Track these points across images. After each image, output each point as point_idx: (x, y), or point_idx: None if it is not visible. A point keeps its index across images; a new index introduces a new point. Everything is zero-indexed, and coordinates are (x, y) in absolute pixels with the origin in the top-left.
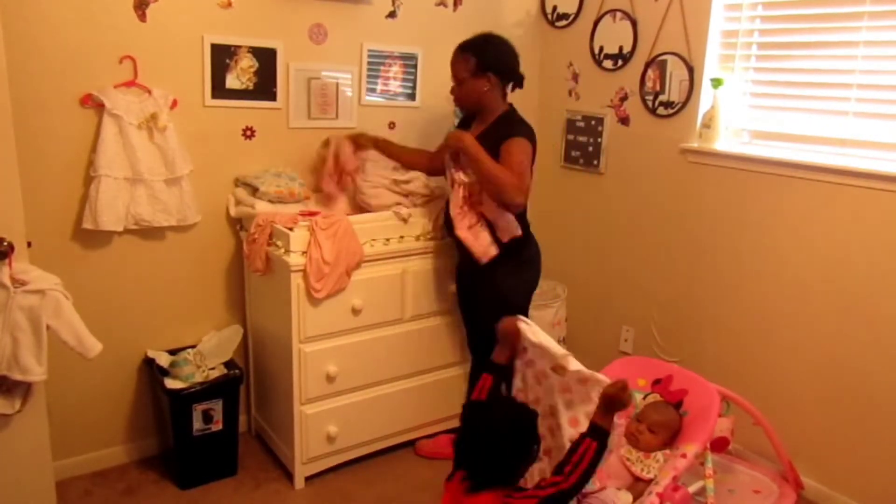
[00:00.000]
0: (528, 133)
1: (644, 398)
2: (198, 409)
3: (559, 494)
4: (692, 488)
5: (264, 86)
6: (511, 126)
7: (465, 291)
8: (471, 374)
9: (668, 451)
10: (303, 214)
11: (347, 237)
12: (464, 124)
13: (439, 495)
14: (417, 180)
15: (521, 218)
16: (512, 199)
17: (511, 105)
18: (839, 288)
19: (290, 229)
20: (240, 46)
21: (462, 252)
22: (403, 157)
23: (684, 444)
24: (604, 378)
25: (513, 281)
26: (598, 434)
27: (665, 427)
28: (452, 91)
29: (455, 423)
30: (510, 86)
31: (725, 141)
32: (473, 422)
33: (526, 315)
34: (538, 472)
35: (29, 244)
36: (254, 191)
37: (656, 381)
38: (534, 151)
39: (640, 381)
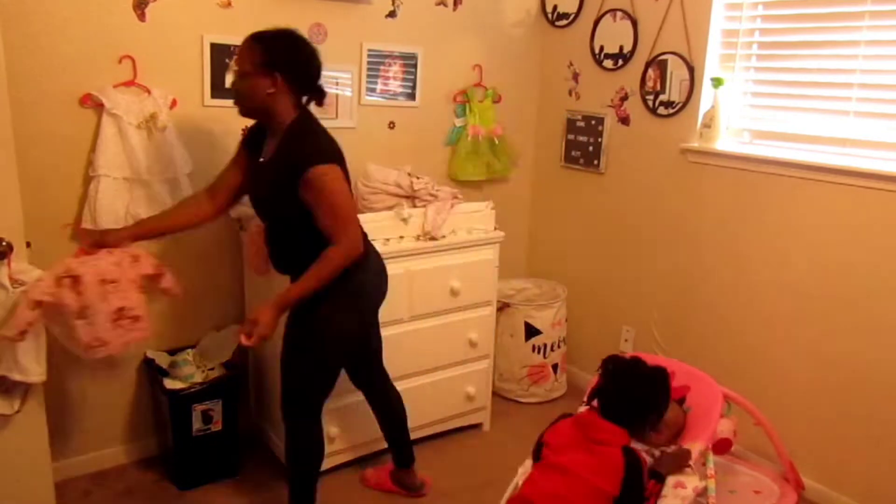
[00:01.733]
0: (325, 153)
1: None
2: (197, 410)
3: None
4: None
5: None
6: (302, 149)
7: (289, 326)
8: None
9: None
10: None
11: None
12: (255, 137)
13: (440, 495)
14: (423, 183)
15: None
16: (355, 256)
17: (302, 114)
18: (840, 288)
19: None
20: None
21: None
22: (165, 224)
23: (688, 443)
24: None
25: (334, 318)
26: (659, 479)
27: (671, 424)
28: (232, 85)
29: (454, 424)
30: (305, 98)
31: (726, 141)
32: (625, 374)
33: (344, 362)
34: None
35: (28, 244)
36: None
37: None
38: (341, 169)
39: None
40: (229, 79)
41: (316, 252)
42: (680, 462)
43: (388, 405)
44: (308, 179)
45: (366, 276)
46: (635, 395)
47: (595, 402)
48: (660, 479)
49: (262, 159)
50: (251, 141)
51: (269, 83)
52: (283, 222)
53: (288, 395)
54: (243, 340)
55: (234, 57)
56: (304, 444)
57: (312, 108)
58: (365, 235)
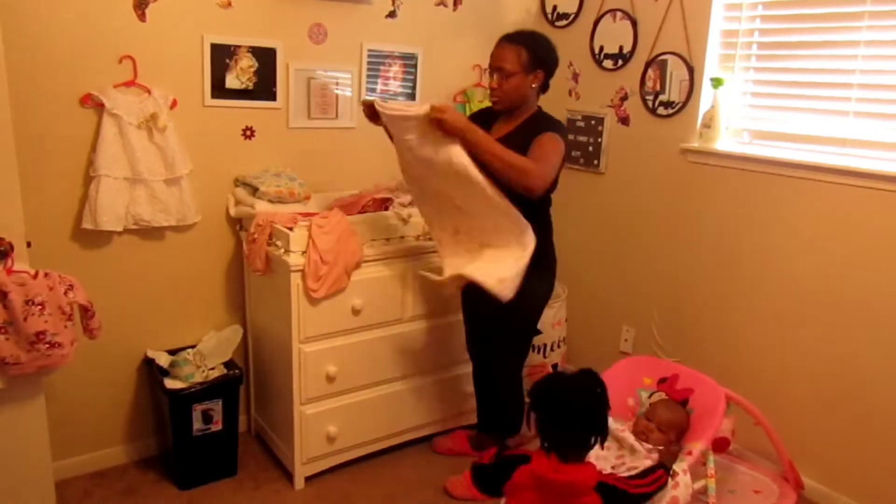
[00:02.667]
0: (562, 130)
1: (649, 396)
2: (197, 410)
3: (648, 494)
4: (694, 487)
5: (264, 86)
6: (545, 123)
7: (473, 294)
8: (475, 381)
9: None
10: (302, 215)
11: (347, 237)
12: (479, 118)
13: (440, 495)
14: None
15: (544, 221)
16: (530, 184)
17: (540, 106)
18: (839, 288)
19: (290, 229)
20: (239, 46)
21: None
22: None
23: (690, 442)
24: None
25: (527, 287)
26: (668, 470)
27: (674, 426)
28: (493, 84)
29: (454, 424)
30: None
31: (725, 141)
32: (551, 394)
33: (535, 328)
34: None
35: (29, 244)
36: (254, 191)
37: (662, 380)
38: (566, 150)
39: (646, 380)
40: (494, 79)
41: (544, 222)
42: (675, 456)
43: (490, 376)
44: (541, 137)
45: (554, 254)
46: (568, 416)
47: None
48: (667, 471)
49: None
50: (476, 120)
51: (534, 79)
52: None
53: (501, 362)
54: (432, 111)
55: (493, 61)
56: (517, 399)
57: None
58: (550, 220)
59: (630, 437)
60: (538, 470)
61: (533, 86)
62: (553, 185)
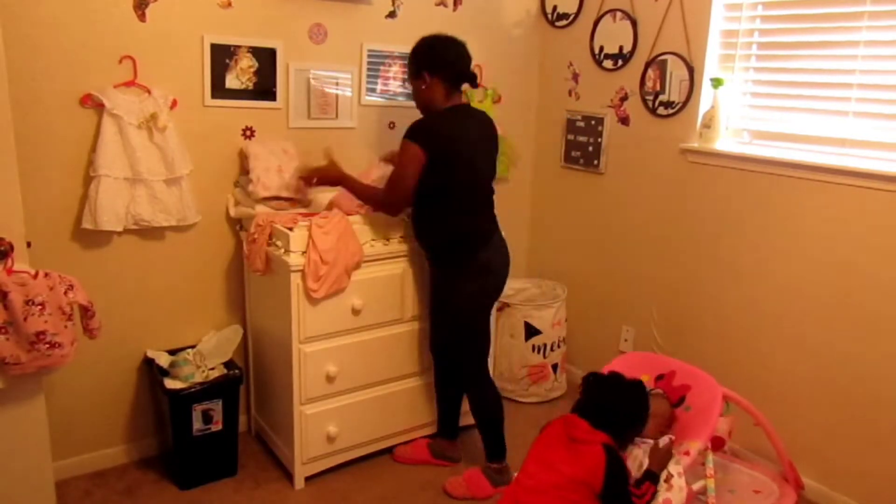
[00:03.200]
0: (417, 130)
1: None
2: (197, 410)
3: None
4: (693, 487)
5: (264, 86)
6: (413, 126)
7: (430, 295)
8: (435, 382)
9: (663, 444)
10: (302, 215)
11: (347, 237)
12: None
13: (440, 495)
14: None
15: (454, 221)
16: (384, 212)
17: (454, 105)
18: (839, 288)
19: (290, 229)
20: (240, 46)
21: (432, 273)
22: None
23: (688, 441)
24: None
25: (461, 290)
26: (654, 479)
27: (657, 415)
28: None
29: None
30: (458, 84)
31: (725, 141)
32: (605, 386)
33: (480, 326)
34: None
35: (29, 244)
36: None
37: (659, 377)
38: (424, 148)
39: (644, 377)
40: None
41: (427, 229)
42: (667, 457)
43: (450, 380)
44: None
45: (488, 255)
46: (617, 410)
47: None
48: (654, 480)
49: None
50: None
51: (421, 82)
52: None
53: (460, 368)
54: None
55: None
56: (487, 405)
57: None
58: (495, 220)
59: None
60: (563, 417)
61: (423, 88)
62: (431, 182)
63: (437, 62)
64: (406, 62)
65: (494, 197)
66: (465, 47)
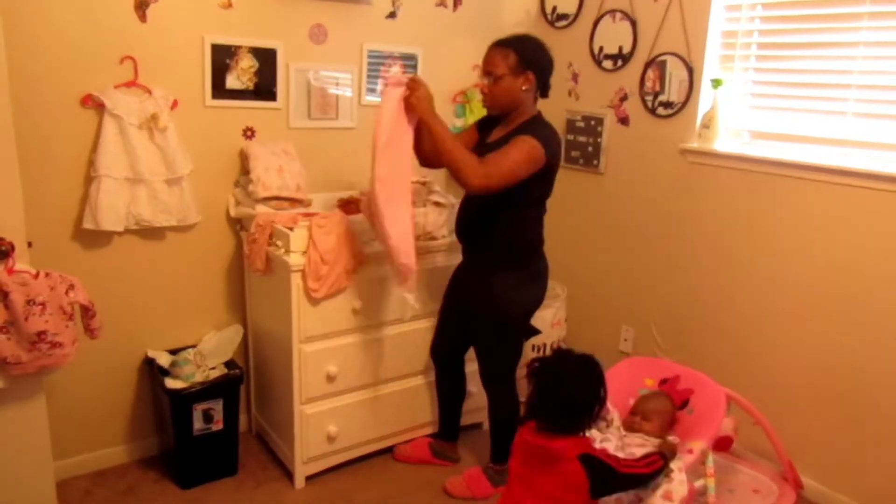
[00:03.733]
0: (542, 135)
1: None
2: (198, 409)
3: (638, 476)
4: (695, 485)
5: (264, 86)
6: (531, 127)
7: (458, 296)
8: (438, 386)
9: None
10: (303, 215)
11: (348, 237)
12: (484, 125)
13: (439, 495)
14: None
15: (532, 227)
16: (467, 180)
17: (539, 112)
18: (839, 288)
19: (291, 229)
20: (240, 47)
21: (464, 255)
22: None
23: (691, 441)
24: None
25: (513, 295)
26: (664, 457)
27: (657, 413)
28: (484, 88)
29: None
30: (545, 94)
31: (725, 141)
32: (547, 372)
33: (521, 337)
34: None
35: (29, 244)
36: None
37: (663, 381)
38: (547, 156)
39: (648, 381)
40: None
41: (505, 230)
42: (673, 451)
43: (460, 382)
44: (515, 138)
45: (544, 264)
46: (560, 395)
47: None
48: (662, 457)
49: (488, 140)
50: (483, 124)
51: (524, 81)
52: (488, 196)
53: (494, 372)
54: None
55: (483, 65)
56: (509, 414)
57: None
58: (542, 236)
59: (633, 440)
60: (524, 434)
61: (523, 88)
62: (536, 189)
63: (545, 66)
64: (407, 62)
65: None
66: None
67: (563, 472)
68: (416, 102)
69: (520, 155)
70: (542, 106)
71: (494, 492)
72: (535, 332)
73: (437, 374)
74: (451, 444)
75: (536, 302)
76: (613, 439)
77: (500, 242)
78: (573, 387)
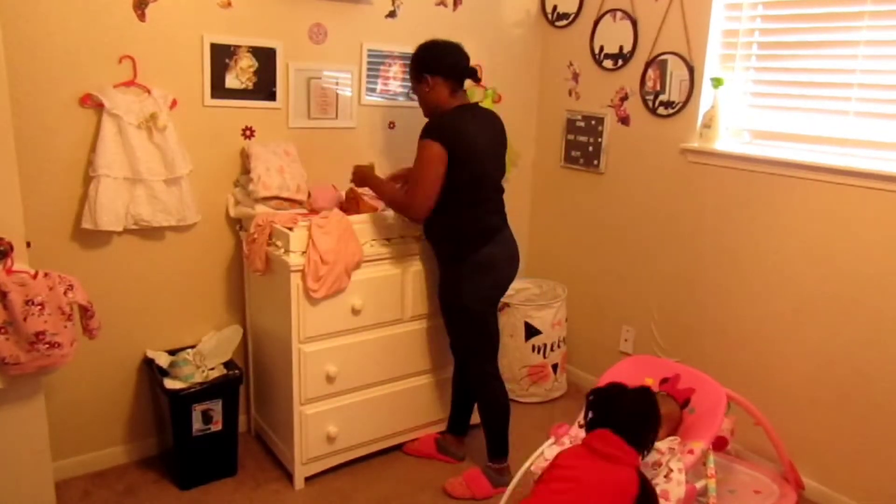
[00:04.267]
0: (431, 128)
1: None
2: (197, 410)
3: None
4: (696, 485)
5: (264, 86)
6: (426, 125)
7: (438, 294)
8: (453, 376)
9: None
10: (302, 215)
11: (347, 237)
12: None
13: (439, 495)
14: None
15: (467, 216)
16: (407, 216)
17: (461, 104)
18: (839, 288)
19: (290, 229)
20: (239, 46)
21: (440, 265)
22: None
23: (692, 441)
24: None
25: (462, 286)
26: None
27: (665, 418)
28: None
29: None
30: (460, 82)
31: (726, 141)
32: (615, 397)
33: (487, 323)
34: None
35: (28, 244)
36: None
37: (664, 380)
38: (444, 144)
39: (648, 380)
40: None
41: (439, 225)
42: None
43: (463, 378)
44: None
45: (494, 250)
46: (635, 418)
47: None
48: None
49: None
50: None
51: (424, 85)
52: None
53: (466, 364)
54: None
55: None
56: (491, 402)
57: None
58: (502, 216)
59: None
60: (598, 431)
61: (426, 90)
62: (453, 178)
63: (436, 62)
64: (407, 62)
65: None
66: (461, 46)
67: (618, 470)
68: (357, 184)
69: (420, 163)
70: (543, 105)
71: (494, 492)
72: (536, 332)
73: (454, 367)
74: (457, 439)
75: (489, 289)
76: None
77: (439, 238)
78: (644, 409)
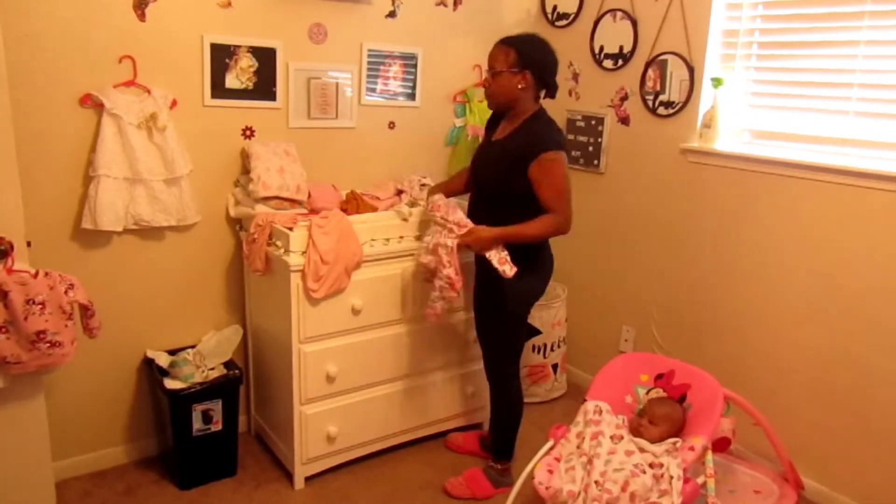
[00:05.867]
0: (558, 142)
1: (647, 393)
2: (197, 410)
3: None
4: (698, 481)
5: (264, 85)
6: (540, 135)
7: (478, 292)
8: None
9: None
10: (302, 215)
11: (347, 237)
12: (491, 124)
13: (439, 495)
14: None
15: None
16: (562, 233)
17: (541, 107)
18: (839, 288)
19: (290, 229)
20: (239, 46)
21: (479, 259)
22: (457, 186)
23: (691, 437)
24: None
25: (517, 286)
26: None
27: (666, 419)
28: (485, 83)
29: (454, 424)
30: (543, 92)
31: (726, 141)
32: None
33: (524, 321)
34: None
35: (29, 244)
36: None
37: (659, 376)
38: (568, 155)
39: (643, 377)
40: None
41: (512, 223)
42: None
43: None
44: (541, 160)
45: (548, 252)
46: None
47: None
48: None
49: (494, 137)
50: (491, 122)
51: (521, 79)
52: (497, 193)
53: (498, 363)
54: (458, 241)
55: (488, 61)
56: (515, 405)
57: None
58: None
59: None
60: None
61: (519, 86)
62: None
63: (544, 63)
64: (407, 62)
65: None
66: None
67: None
68: (479, 246)
69: (560, 179)
70: (544, 105)
71: (495, 492)
72: (536, 332)
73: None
74: None
75: (535, 293)
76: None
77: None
78: None
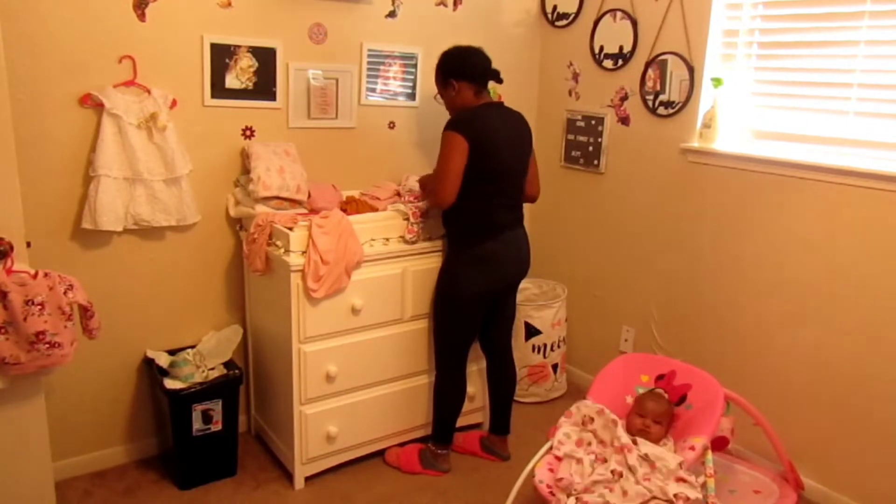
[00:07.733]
0: (454, 123)
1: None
2: (197, 410)
3: None
4: (698, 480)
5: (264, 85)
6: (450, 119)
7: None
8: (487, 376)
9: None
10: (302, 215)
11: (347, 237)
12: None
13: (440, 495)
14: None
15: (475, 208)
16: (433, 204)
17: (485, 103)
18: (839, 288)
19: (290, 229)
20: (239, 46)
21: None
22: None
23: (692, 437)
24: None
25: (453, 274)
26: None
27: (667, 415)
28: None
29: (460, 423)
30: (483, 84)
31: (726, 140)
32: None
33: (467, 316)
34: None
35: (28, 244)
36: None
37: (659, 377)
38: (465, 135)
39: (644, 377)
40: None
41: (452, 212)
42: None
43: (504, 374)
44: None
45: (496, 246)
46: None
47: None
48: None
49: None
50: None
51: (451, 90)
52: None
53: (436, 349)
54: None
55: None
56: (447, 391)
57: None
58: (517, 216)
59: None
60: None
61: (453, 94)
62: (469, 169)
63: (460, 66)
64: (407, 62)
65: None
66: (482, 50)
67: None
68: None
69: (442, 154)
70: (543, 105)
71: (422, 472)
72: (537, 332)
73: (487, 366)
74: (501, 438)
75: (478, 284)
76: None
77: (449, 225)
78: None
